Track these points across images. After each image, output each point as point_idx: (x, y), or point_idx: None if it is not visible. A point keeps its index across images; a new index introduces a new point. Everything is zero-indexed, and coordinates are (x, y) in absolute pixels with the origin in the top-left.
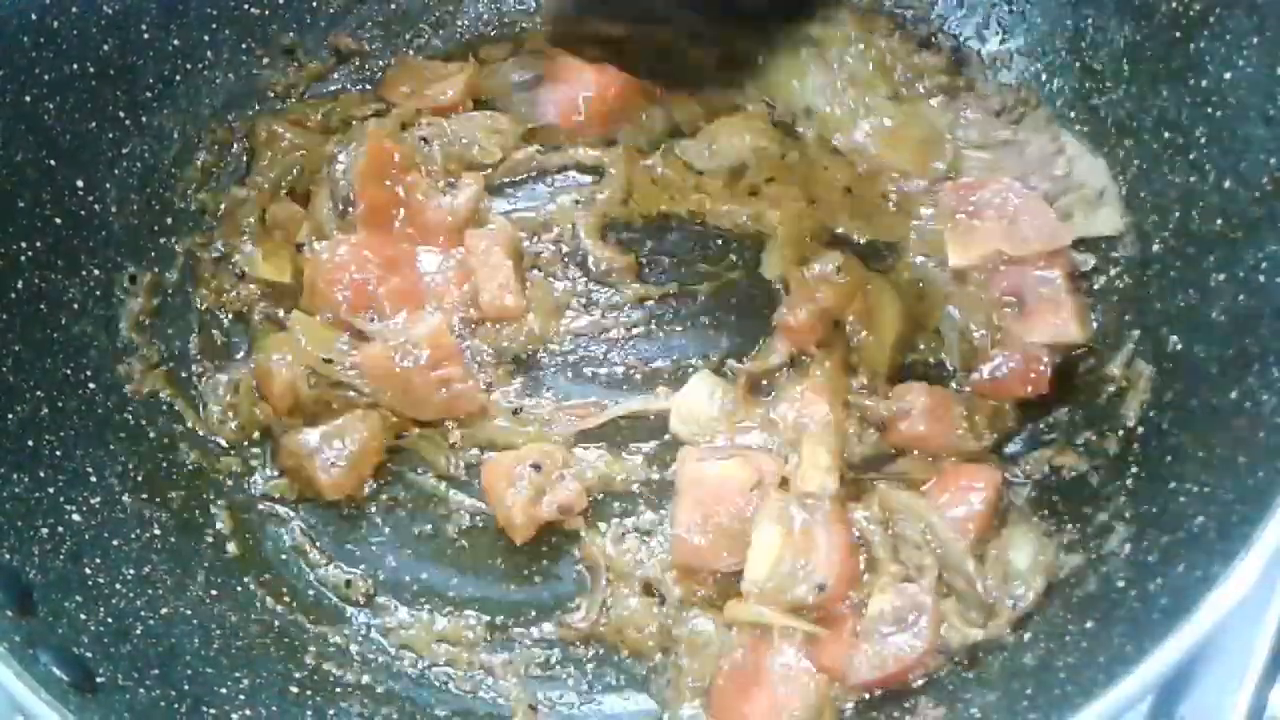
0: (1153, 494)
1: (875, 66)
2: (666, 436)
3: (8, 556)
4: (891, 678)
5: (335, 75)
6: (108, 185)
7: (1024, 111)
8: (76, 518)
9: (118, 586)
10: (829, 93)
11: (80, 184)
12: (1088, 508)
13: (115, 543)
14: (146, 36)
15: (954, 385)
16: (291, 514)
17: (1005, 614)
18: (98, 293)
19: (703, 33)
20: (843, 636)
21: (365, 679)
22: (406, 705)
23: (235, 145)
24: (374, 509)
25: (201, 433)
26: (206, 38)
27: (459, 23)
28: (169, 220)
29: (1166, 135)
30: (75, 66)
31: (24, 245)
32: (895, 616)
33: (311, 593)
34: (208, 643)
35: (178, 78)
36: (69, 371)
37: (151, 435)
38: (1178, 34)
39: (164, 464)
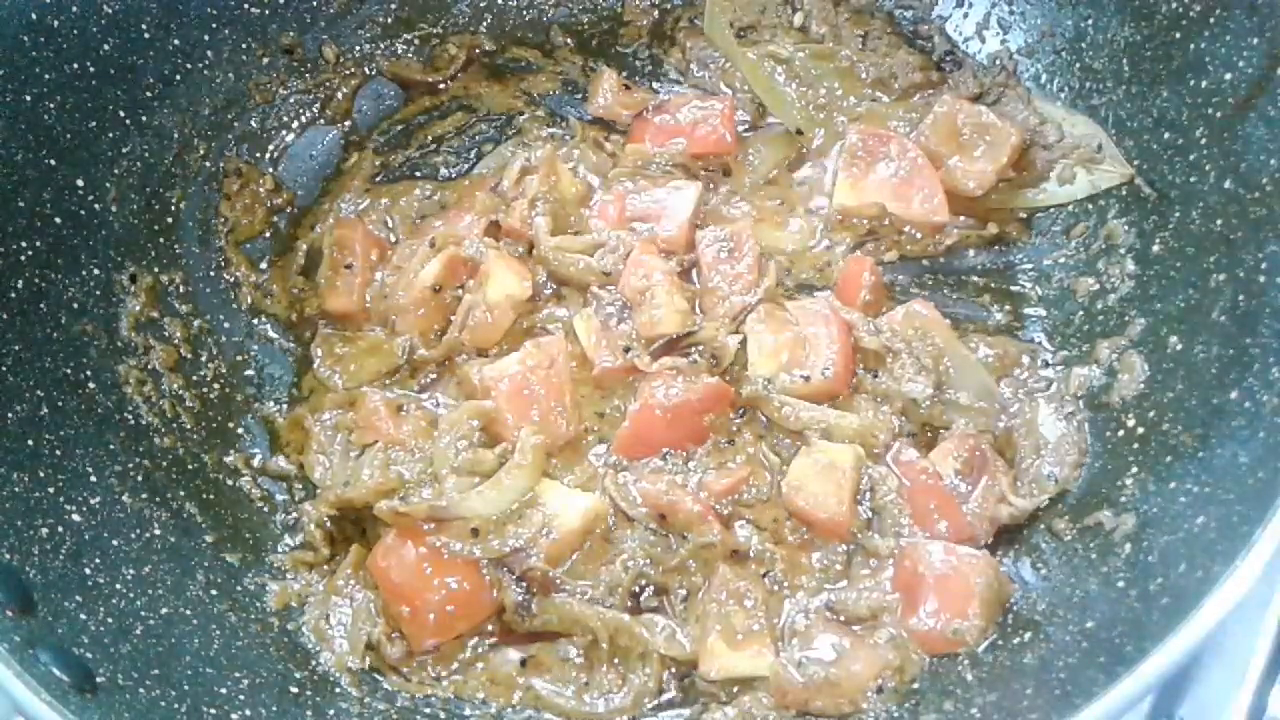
0: (1153, 494)
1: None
2: None
3: (8, 556)
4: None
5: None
6: (108, 185)
7: (1003, 91)
8: (76, 518)
9: (118, 586)
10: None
11: (80, 184)
12: (1088, 507)
13: (115, 543)
14: (147, 36)
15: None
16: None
17: (1045, 488)
18: (98, 293)
19: None
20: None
21: (364, 680)
22: (406, 706)
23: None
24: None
25: (202, 433)
26: (206, 38)
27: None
28: (169, 220)
29: (1166, 135)
30: (75, 66)
31: (24, 245)
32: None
33: None
34: (208, 643)
35: (178, 77)
36: (69, 371)
37: (151, 435)
38: (1178, 34)
39: (164, 464)
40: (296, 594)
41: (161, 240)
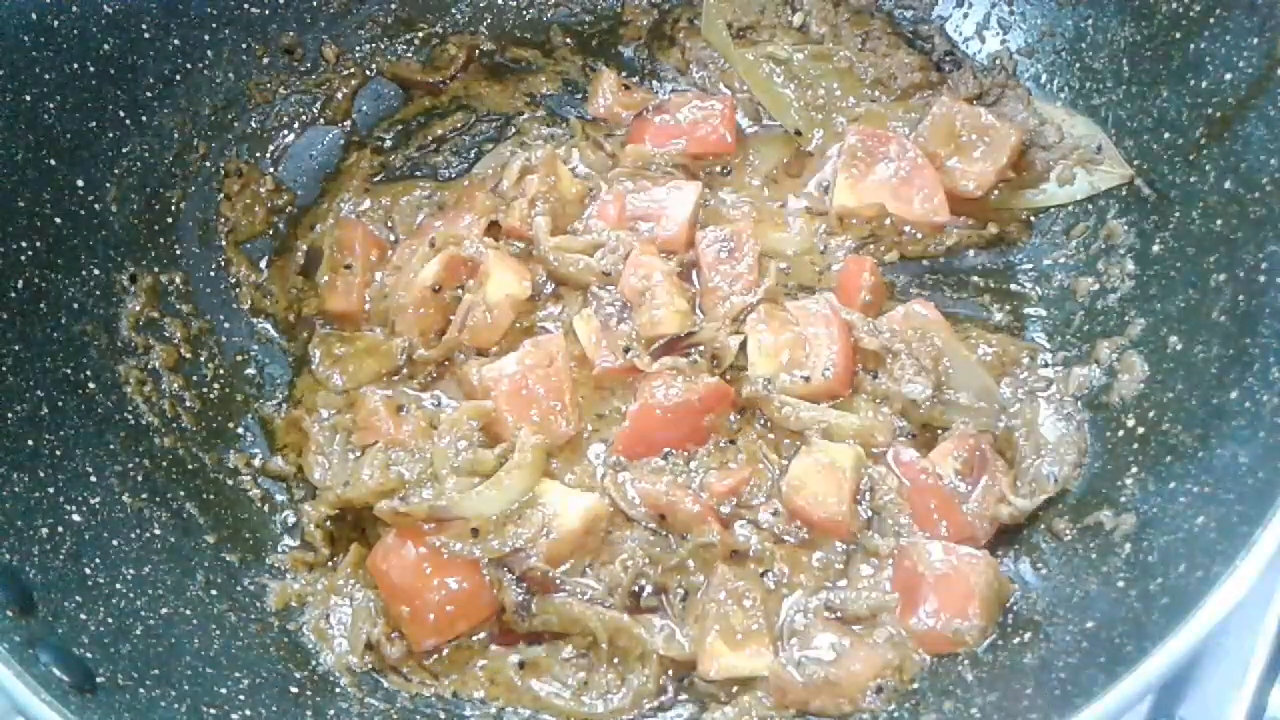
0: (1153, 494)
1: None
2: None
3: (8, 556)
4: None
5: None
6: (108, 185)
7: (1002, 91)
8: (76, 518)
9: (118, 586)
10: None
11: (80, 184)
12: (1088, 507)
13: (115, 543)
14: (147, 36)
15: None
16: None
17: (1045, 488)
18: (98, 293)
19: None
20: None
21: (364, 680)
22: (405, 706)
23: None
24: None
25: (202, 433)
26: (206, 38)
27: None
28: (169, 220)
29: (1166, 135)
30: (75, 66)
31: (24, 245)
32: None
33: None
34: (208, 643)
35: (178, 78)
36: (69, 371)
37: (151, 435)
38: (1178, 34)
39: (164, 464)
40: (296, 594)
41: (161, 240)
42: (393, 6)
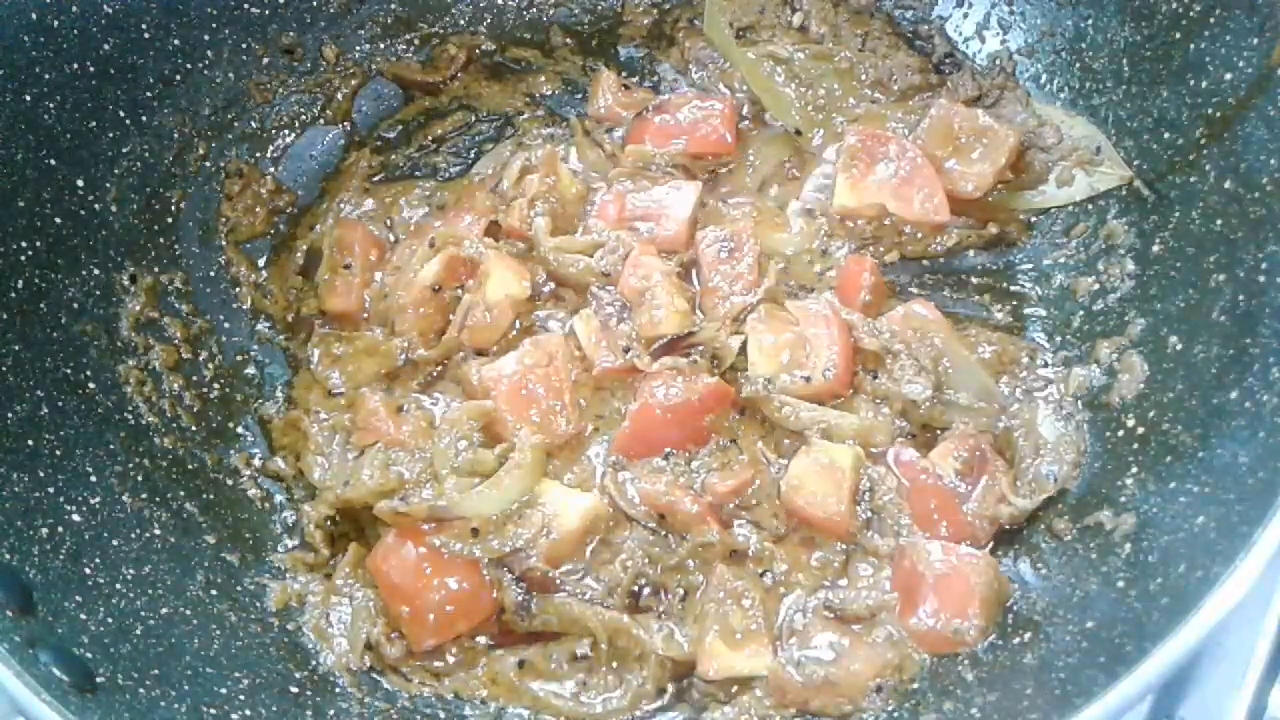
0: (1153, 494)
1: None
2: None
3: (8, 556)
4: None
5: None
6: (108, 185)
7: (1000, 93)
8: (76, 518)
9: (118, 586)
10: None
11: (80, 184)
12: (1088, 507)
13: (115, 543)
14: (147, 36)
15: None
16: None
17: (1045, 488)
18: (98, 293)
19: None
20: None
21: (364, 680)
22: (405, 706)
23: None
24: None
25: (202, 433)
26: (206, 38)
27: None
28: (169, 220)
29: (1166, 135)
30: (75, 66)
31: (24, 245)
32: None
33: None
34: (208, 643)
35: (178, 78)
36: (69, 371)
37: (151, 435)
38: (1178, 34)
39: (164, 464)
40: (296, 594)
41: (161, 240)
42: (393, 6)
